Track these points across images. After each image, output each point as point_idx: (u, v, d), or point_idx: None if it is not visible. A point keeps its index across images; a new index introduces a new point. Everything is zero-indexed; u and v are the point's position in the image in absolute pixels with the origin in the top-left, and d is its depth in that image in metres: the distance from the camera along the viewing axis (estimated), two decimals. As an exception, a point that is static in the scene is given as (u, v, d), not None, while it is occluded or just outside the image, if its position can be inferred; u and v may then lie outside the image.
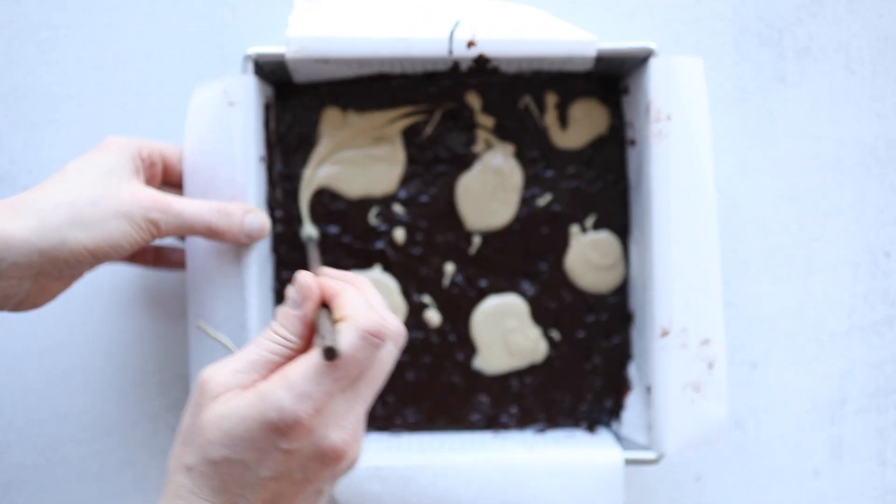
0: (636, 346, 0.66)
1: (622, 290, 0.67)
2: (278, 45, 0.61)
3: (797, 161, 0.70)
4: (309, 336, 0.45)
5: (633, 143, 0.66)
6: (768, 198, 0.70)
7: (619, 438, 0.64)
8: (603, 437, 0.65)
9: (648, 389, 0.63)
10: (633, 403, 0.65)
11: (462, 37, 0.61)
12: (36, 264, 0.52)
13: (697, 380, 0.60)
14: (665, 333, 0.60)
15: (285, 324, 0.44)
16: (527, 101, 0.67)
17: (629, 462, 0.61)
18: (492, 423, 0.67)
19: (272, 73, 0.64)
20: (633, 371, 0.66)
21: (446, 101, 0.67)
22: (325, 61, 0.61)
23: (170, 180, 0.61)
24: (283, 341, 0.44)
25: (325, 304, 0.44)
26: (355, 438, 0.43)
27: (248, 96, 0.60)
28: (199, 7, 0.69)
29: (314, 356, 0.42)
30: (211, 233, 0.57)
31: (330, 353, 0.41)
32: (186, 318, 0.61)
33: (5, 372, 0.68)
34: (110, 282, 0.68)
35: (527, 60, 0.62)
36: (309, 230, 0.65)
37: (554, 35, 0.61)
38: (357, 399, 0.42)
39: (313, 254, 0.55)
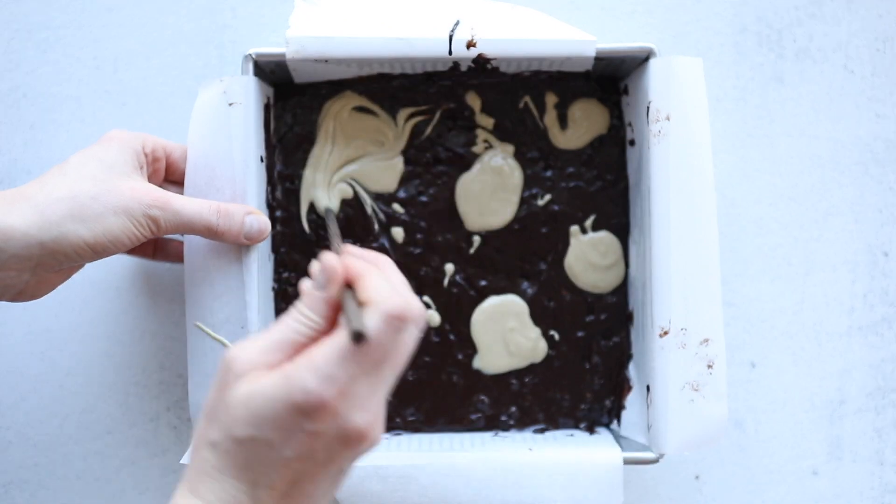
0: (636, 346, 0.66)
1: (622, 290, 0.67)
2: (278, 46, 0.61)
3: (796, 161, 0.70)
4: (333, 317, 0.44)
5: (632, 143, 0.66)
6: (767, 198, 0.70)
7: (618, 438, 0.64)
8: (602, 436, 0.65)
9: (648, 389, 0.63)
10: (632, 403, 0.65)
11: (462, 37, 0.61)
12: (36, 257, 0.52)
13: (697, 379, 0.60)
14: (664, 333, 0.60)
15: (310, 304, 0.44)
16: (526, 101, 0.67)
17: (628, 462, 0.61)
18: (492, 423, 0.67)
19: (272, 72, 0.64)
20: (632, 371, 0.66)
21: (446, 102, 0.67)
22: (325, 61, 0.61)
23: (173, 178, 0.61)
24: (308, 322, 0.44)
25: (349, 285, 0.44)
26: (378, 420, 0.43)
27: (247, 96, 0.60)
28: (199, 7, 0.69)
29: (339, 339, 0.42)
30: (210, 233, 0.57)
31: (358, 337, 0.41)
32: (185, 318, 0.61)
33: (5, 372, 0.68)
34: (110, 282, 0.68)
35: (526, 61, 0.63)
36: (326, 202, 0.65)
37: (553, 35, 0.61)
38: (380, 382, 0.43)
39: (333, 228, 0.55)
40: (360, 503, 0.60)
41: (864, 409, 0.69)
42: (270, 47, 0.61)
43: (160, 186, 0.61)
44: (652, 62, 0.61)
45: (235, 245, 0.59)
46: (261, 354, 0.43)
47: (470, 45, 0.61)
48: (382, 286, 0.43)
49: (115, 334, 0.68)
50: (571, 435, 0.66)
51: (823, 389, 0.70)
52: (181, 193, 0.59)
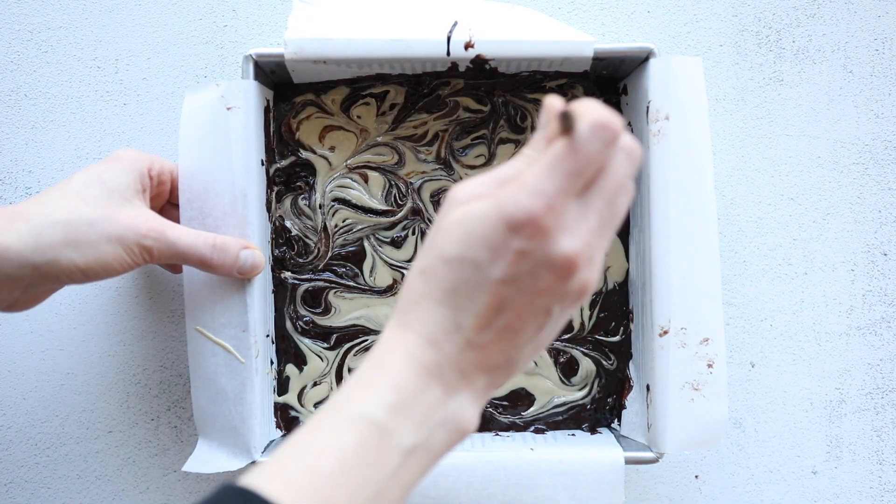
0: (636, 346, 0.66)
1: (622, 289, 0.67)
2: (279, 46, 0.61)
3: (796, 161, 0.70)
4: None
5: (632, 143, 0.66)
6: (767, 198, 0.70)
7: (619, 438, 0.64)
8: (603, 436, 0.65)
9: (648, 389, 0.63)
10: (632, 403, 0.65)
11: (460, 38, 0.61)
12: (28, 277, 0.53)
13: (697, 379, 0.60)
14: (664, 332, 0.61)
15: (532, 145, 0.44)
16: (525, 101, 0.67)
17: (629, 461, 0.61)
18: (492, 423, 0.67)
19: (272, 73, 0.64)
20: (632, 370, 0.66)
21: (445, 102, 0.67)
22: (324, 62, 0.61)
23: (176, 201, 0.61)
24: (529, 160, 0.43)
25: None
26: (588, 256, 0.42)
27: (247, 100, 0.60)
28: (199, 8, 0.69)
29: (547, 153, 0.41)
30: (203, 265, 0.57)
31: (565, 121, 0.40)
32: (186, 322, 0.61)
33: (5, 372, 0.68)
34: (111, 282, 0.68)
35: (525, 61, 0.63)
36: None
37: (551, 36, 0.61)
38: (590, 210, 0.42)
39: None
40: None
41: (864, 408, 0.70)
42: (271, 48, 0.61)
43: (163, 209, 0.61)
44: (651, 62, 0.61)
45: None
46: (481, 186, 0.43)
47: (468, 45, 0.61)
48: (595, 105, 0.42)
49: (115, 334, 0.68)
50: (573, 435, 0.66)
51: (823, 389, 0.70)
52: (178, 222, 0.59)
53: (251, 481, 0.39)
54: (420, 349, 0.42)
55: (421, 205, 0.67)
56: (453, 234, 0.42)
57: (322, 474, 0.39)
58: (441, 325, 0.42)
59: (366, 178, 0.67)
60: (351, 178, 0.67)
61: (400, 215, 0.67)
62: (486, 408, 0.67)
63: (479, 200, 0.42)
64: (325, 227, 0.67)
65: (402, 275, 0.67)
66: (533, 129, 0.67)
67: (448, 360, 0.42)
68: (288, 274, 0.67)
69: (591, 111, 0.41)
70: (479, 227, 0.41)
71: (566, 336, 0.67)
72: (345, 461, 0.40)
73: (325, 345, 0.67)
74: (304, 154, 0.67)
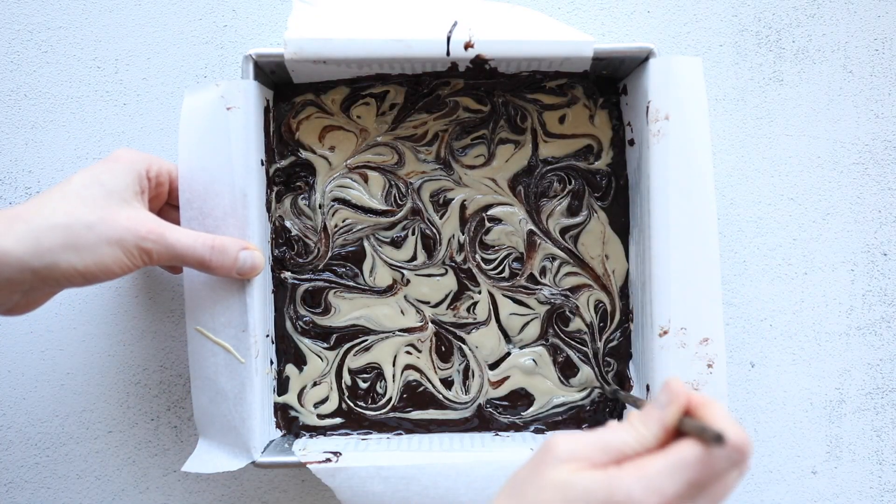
0: (635, 346, 0.66)
1: (622, 290, 0.68)
2: (279, 46, 0.61)
3: (795, 161, 0.70)
4: (663, 440, 0.44)
5: (631, 143, 0.66)
6: (767, 198, 0.70)
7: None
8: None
9: (648, 389, 0.63)
10: (632, 403, 0.66)
11: (459, 38, 0.61)
12: (28, 281, 0.53)
13: (696, 379, 0.60)
14: (664, 333, 0.61)
15: (645, 421, 0.44)
16: (524, 101, 0.67)
17: (628, 461, 0.61)
18: (492, 423, 0.67)
19: (272, 73, 0.64)
20: (632, 370, 0.66)
21: (445, 102, 0.67)
22: (324, 62, 0.61)
23: (176, 202, 0.61)
24: (639, 436, 0.44)
25: (688, 413, 0.44)
26: None
27: (247, 100, 0.60)
28: (198, 8, 0.69)
29: (674, 452, 0.41)
30: (202, 267, 0.57)
31: (718, 439, 0.40)
32: (186, 322, 0.61)
33: (5, 372, 0.68)
34: (110, 282, 0.68)
35: (525, 61, 0.63)
36: (613, 386, 0.66)
37: (551, 36, 0.61)
38: None
39: (630, 399, 0.58)
40: (362, 503, 0.60)
41: (863, 408, 0.70)
42: (271, 48, 0.61)
43: (162, 210, 0.61)
44: (651, 62, 0.61)
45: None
46: (585, 448, 0.42)
47: (468, 45, 0.61)
48: (730, 419, 0.42)
49: (115, 334, 0.68)
50: (571, 434, 0.66)
51: (822, 389, 0.70)
52: (177, 223, 0.59)
53: None
54: None
55: (421, 205, 0.67)
56: (554, 498, 0.41)
57: None
58: None
59: (366, 178, 0.67)
60: (351, 178, 0.67)
61: (400, 215, 0.67)
62: (486, 408, 0.67)
63: (585, 469, 0.41)
64: (324, 227, 0.67)
65: (402, 275, 0.67)
66: (533, 129, 0.67)
67: None
68: (288, 274, 0.67)
69: (733, 430, 0.41)
70: (584, 502, 0.40)
71: (567, 338, 0.68)
72: None
73: (325, 345, 0.67)
74: (304, 154, 0.67)
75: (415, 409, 0.67)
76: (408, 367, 0.67)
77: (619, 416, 0.67)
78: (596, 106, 0.68)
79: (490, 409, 0.67)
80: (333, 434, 0.67)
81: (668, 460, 0.41)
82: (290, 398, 0.67)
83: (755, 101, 0.70)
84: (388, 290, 0.67)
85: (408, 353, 0.67)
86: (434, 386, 0.67)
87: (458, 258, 0.67)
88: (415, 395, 0.67)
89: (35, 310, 0.58)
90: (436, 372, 0.67)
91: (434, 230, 0.67)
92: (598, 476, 0.41)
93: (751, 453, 0.42)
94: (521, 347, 0.68)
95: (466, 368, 0.67)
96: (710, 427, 0.41)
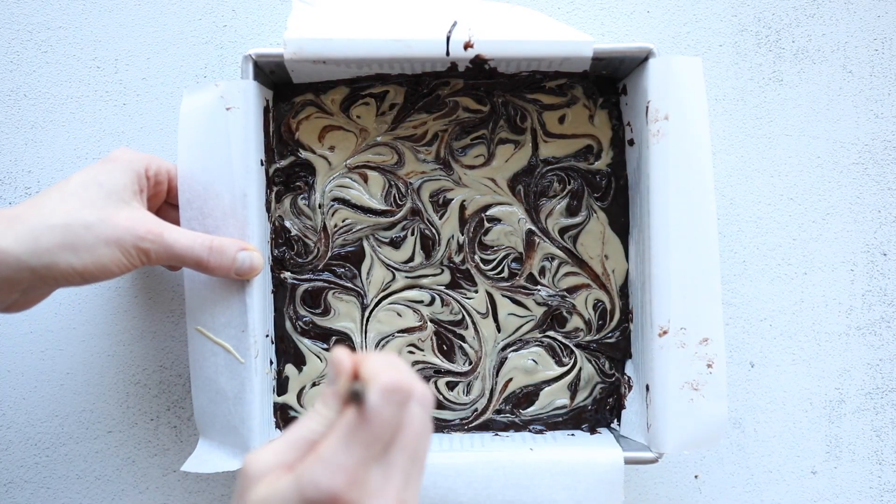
0: (635, 346, 0.66)
1: (622, 290, 0.68)
2: (278, 46, 0.61)
3: (795, 161, 0.70)
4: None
5: (631, 143, 0.66)
6: (767, 198, 0.70)
7: (618, 438, 0.64)
8: (603, 436, 0.65)
9: (647, 389, 0.63)
10: (631, 403, 0.66)
11: (459, 38, 0.61)
12: (26, 280, 0.53)
13: (696, 379, 0.60)
14: (664, 333, 0.61)
15: (325, 402, 0.43)
16: (524, 101, 0.67)
17: (628, 461, 0.61)
18: (491, 423, 0.67)
19: (272, 73, 0.64)
20: (631, 370, 0.66)
21: (444, 102, 0.67)
22: (324, 62, 0.61)
23: (175, 201, 0.61)
24: (324, 419, 0.43)
25: (356, 378, 0.43)
26: None
27: (246, 100, 0.60)
28: (198, 8, 0.69)
29: (339, 424, 0.41)
30: (200, 267, 0.57)
31: (355, 397, 0.40)
32: (186, 322, 0.61)
33: (5, 372, 0.68)
34: (111, 282, 0.68)
35: (524, 61, 0.63)
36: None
37: (551, 36, 0.61)
38: (393, 468, 0.41)
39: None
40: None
41: (863, 408, 0.70)
42: (270, 48, 0.61)
43: (161, 209, 0.61)
44: (651, 62, 0.61)
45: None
46: (276, 455, 0.42)
47: (467, 45, 0.61)
48: (380, 365, 0.42)
49: (115, 334, 0.68)
50: (572, 435, 0.66)
51: (822, 389, 0.70)
52: (176, 222, 0.59)
53: None
54: None
55: (420, 205, 0.67)
56: None
57: None
58: None
59: (365, 178, 0.67)
60: (350, 178, 0.67)
61: (399, 215, 0.67)
62: (486, 407, 0.67)
63: (277, 476, 0.40)
64: (324, 227, 0.67)
65: (393, 276, 0.67)
66: (533, 129, 0.67)
67: None
68: (287, 274, 0.67)
69: (379, 375, 0.40)
70: None
71: (567, 339, 0.68)
72: None
73: (325, 345, 0.67)
74: (304, 154, 0.67)
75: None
76: (413, 365, 0.67)
77: (619, 417, 0.67)
78: (596, 106, 0.68)
79: (492, 415, 0.67)
80: None
81: (336, 435, 0.40)
82: (290, 398, 0.67)
83: (755, 101, 0.70)
84: (381, 301, 0.67)
85: (410, 352, 0.67)
86: (437, 387, 0.67)
87: (457, 259, 0.67)
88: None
89: (32, 307, 0.58)
90: (440, 372, 0.67)
91: (434, 230, 0.67)
92: (288, 479, 0.40)
93: (411, 387, 0.41)
94: (519, 349, 0.68)
95: (470, 371, 0.67)
96: (353, 386, 0.40)
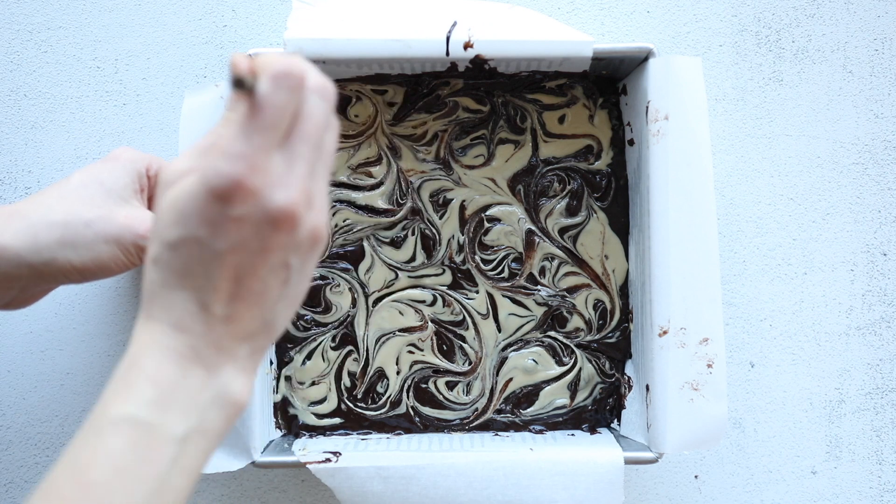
0: (635, 346, 0.66)
1: (622, 290, 0.68)
2: (278, 46, 0.61)
3: (795, 161, 0.70)
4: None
5: (631, 143, 0.66)
6: (767, 198, 0.70)
7: (618, 438, 0.64)
8: (603, 436, 0.65)
9: (647, 389, 0.63)
10: (631, 403, 0.66)
11: (459, 38, 0.61)
12: (25, 277, 0.53)
13: (696, 379, 0.60)
14: (664, 333, 0.61)
15: (231, 107, 0.42)
16: (524, 101, 0.67)
17: (628, 461, 0.61)
18: (491, 423, 0.67)
19: (272, 73, 0.64)
20: (631, 370, 0.66)
21: (444, 102, 0.67)
22: (323, 62, 0.61)
23: None
24: (227, 122, 0.42)
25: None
26: (307, 202, 0.42)
27: None
28: (198, 8, 0.69)
29: (234, 115, 0.40)
30: None
31: (237, 83, 0.39)
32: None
33: (5, 372, 0.68)
34: (110, 282, 0.68)
35: (524, 61, 0.63)
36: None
37: (551, 36, 0.61)
38: (296, 158, 0.41)
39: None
40: (362, 503, 0.60)
41: (863, 408, 0.70)
42: (270, 48, 0.61)
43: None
44: (651, 62, 0.61)
45: None
46: (187, 161, 0.42)
47: (467, 46, 0.61)
48: (275, 57, 0.41)
49: (115, 334, 0.68)
50: (572, 435, 0.66)
51: (822, 389, 0.70)
52: None
53: None
54: (170, 337, 0.41)
55: (420, 205, 0.67)
56: (169, 217, 0.41)
57: (95, 484, 0.39)
58: (185, 309, 0.41)
59: (368, 177, 0.67)
60: (351, 178, 0.67)
61: (400, 215, 0.67)
62: (486, 407, 0.67)
63: (186, 177, 0.41)
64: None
65: (396, 275, 0.67)
66: (532, 129, 0.67)
67: (202, 341, 0.41)
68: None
69: (270, 64, 0.40)
70: (191, 204, 0.40)
71: (567, 339, 0.68)
72: (116, 466, 0.39)
73: (330, 344, 0.67)
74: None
75: (416, 409, 0.67)
76: (413, 364, 0.67)
77: (619, 417, 0.67)
78: (596, 106, 0.68)
79: (493, 416, 0.67)
80: (333, 434, 0.67)
81: (232, 126, 0.40)
82: (288, 392, 0.67)
83: (755, 101, 0.70)
84: (383, 298, 0.67)
85: (410, 352, 0.67)
86: (436, 386, 0.67)
87: (458, 259, 0.67)
88: (417, 396, 0.67)
89: (31, 304, 0.58)
90: (440, 372, 0.67)
91: (434, 230, 0.67)
92: (194, 175, 0.40)
93: (302, 73, 0.41)
94: (520, 349, 0.68)
95: (470, 371, 0.67)
96: (237, 75, 0.39)
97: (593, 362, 0.68)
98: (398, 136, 0.67)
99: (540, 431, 0.67)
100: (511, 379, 0.67)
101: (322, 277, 0.67)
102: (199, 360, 0.41)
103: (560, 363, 0.68)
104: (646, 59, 0.62)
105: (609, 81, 0.67)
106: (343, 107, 0.67)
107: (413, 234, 0.67)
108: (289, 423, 0.67)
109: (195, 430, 0.41)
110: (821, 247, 0.70)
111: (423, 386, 0.67)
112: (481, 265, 0.67)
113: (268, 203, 0.40)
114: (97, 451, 0.39)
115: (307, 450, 0.62)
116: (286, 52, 0.40)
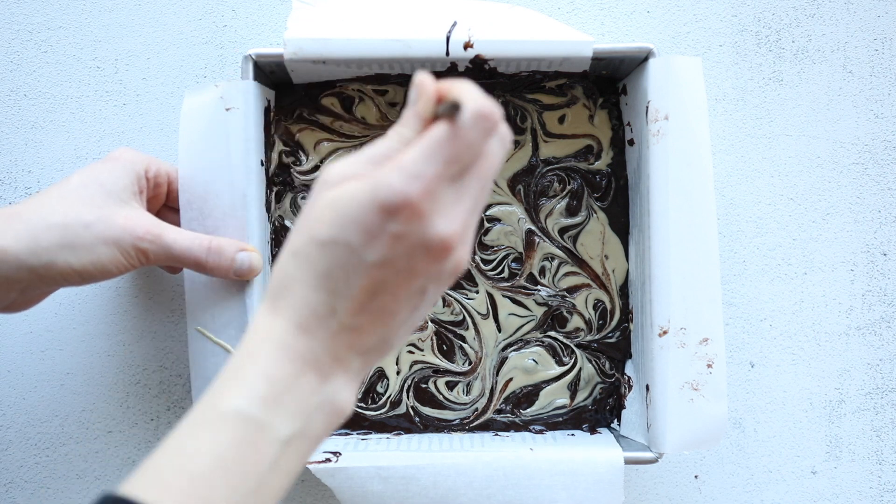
0: (635, 346, 0.66)
1: (622, 290, 0.68)
2: (278, 46, 0.61)
3: (795, 161, 0.70)
4: (423, 131, 0.43)
5: (631, 143, 0.66)
6: (766, 198, 0.70)
7: (618, 438, 0.64)
8: (603, 436, 0.65)
9: (647, 389, 0.63)
10: (631, 403, 0.66)
11: (459, 38, 0.61)
12: (25, 279, 0.53)
13: (696, 379, 0.60)
14: (664, 333, 0.61)
15: (405, 122, 0.43)
16: (524, 101, 0.67)
17: (628, 461, 0.61)
18: (491, 423, 0.67)
19: (272, 73, 0.64)
20: (631, 370, 0.66)
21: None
22: (323, 62, 0.61)
23: (174, 204, 0.61)
24: (401, 137, 0.43)
25: (440, 101, 0.43)
26: (463, 236, 0.42)
27: (246, 101, 0.60)
28: (198, 8, 0.69)
29: (426, 136, 0.41)
30: (199, 268, 0.57)
31: (451, 111, 0.40)
32: (186, 319, 0.61)
33: (5, 372, 0.68)
34: (110, 282, 0.68)
35: (524, 61, 0.63)
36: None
37: (551, 36, 0.61)
38: (465, 192, 0.42)
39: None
40: (362, 503, 0.60)
41: (863, 408, 0.70)
42: (270, 48, 0.61)
43: (160, 212, 0.61)
44: (651, 62, 0.61)
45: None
46: (353, 166, 0.42)
47: (467, 46, 0.61)
48: (475, 91, 0.42)
49: (115, 334, 0.68)
50: (572, 435, 0.66)
51: (822, 389, 0.70)
52: (176, 223, 0.59)
53: (127, 489, 0.38)
54: (293, 336, 0.41)
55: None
56: (326, 216, 0.41)
57: (197, 475, 0.39)
58: (314, 311, 0.41)
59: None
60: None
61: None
62: (486, 407, 0.67)
63: (352, 181, 0.41)
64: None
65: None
66: (533, 129, 0.67)
67: (322, 346, 0.41)
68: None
69: (473, 99, 0.41)
70: (354, 208, 0.40)
71: (567, 339, 0.68)
72: (220, 459, 0.39)
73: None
74: (305, 154, 0.67)
75: (416, 409, 0.67)
76: (413, 364, 0.67)
77: (619, 417, 0.67)
78: (596, 106, 0.68)
79: (492, 416, 0.67)
80: (333, 434, 0.67)
81: (421, 145, 0.40)
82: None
83: (755, 101, 0.70)
84: None
85: (410, 352, 0.67)
86: (436, 386, 0.67)
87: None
88: (417, 396, 0.67)
89: (31, 307, 0.58)
90: (440, 372, 0.67)
91: (434, 230, 0.67)
92: (363, 181, 0.40)
93: (499, 118, 0.41)
94: (520, 349, 0.68)
95: (470, 371, 0.67)
96: (448, 102, 0.40)
97: (593, 362, 0.68)
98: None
99: (540, 431, 0.67)
100: (511, 379, 0.68)
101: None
102: (315, 365, 0.41)
103: (560, 363, 0.68)
104: (646, 59, 0.62)
105: (609, 81, 0.67)
106: (348, 107, 0.67)
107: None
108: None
109: (300, 433, 0.41)
110: (821, 247, 0.70)
111: (423, 386, 0.67)
112: (481, 265, 0.67)
113: (429, 229, 0.40)
114: (203, 442, 0.39)
115: (307, 450, 0.62)
116: (474, 87, 0.41)
